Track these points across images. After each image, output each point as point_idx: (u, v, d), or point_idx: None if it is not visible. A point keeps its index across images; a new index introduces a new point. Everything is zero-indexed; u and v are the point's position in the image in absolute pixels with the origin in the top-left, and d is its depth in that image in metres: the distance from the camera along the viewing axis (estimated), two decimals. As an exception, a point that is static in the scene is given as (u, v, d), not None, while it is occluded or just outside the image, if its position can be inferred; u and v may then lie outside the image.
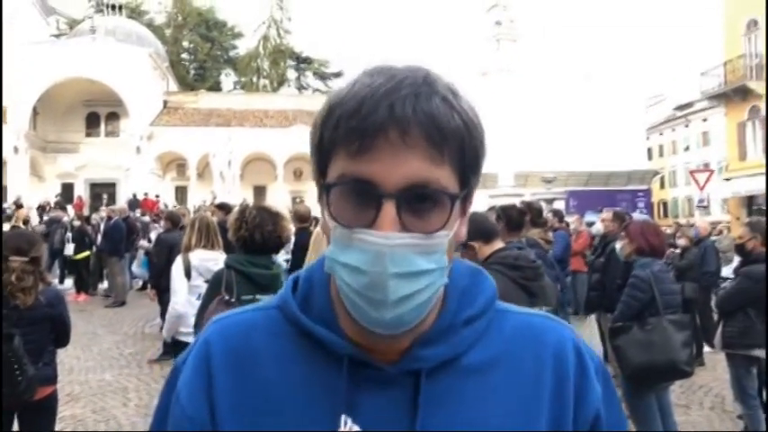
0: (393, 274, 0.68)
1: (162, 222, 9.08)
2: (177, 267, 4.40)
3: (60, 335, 3.65)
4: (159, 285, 7.31)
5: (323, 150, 0.73)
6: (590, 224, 10.74)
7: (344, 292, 0.72)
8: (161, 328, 6.53)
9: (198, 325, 3.27)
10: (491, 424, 0.75)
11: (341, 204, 0.71)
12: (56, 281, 13.39)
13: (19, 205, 19.75)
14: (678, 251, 8.67)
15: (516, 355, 0.79)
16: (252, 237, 3.33)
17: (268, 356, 0.79)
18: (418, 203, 0.70)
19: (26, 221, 12.48)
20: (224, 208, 8.65)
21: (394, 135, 0.68)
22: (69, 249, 12.73)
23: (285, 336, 0.80)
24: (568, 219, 11.07)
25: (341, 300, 0.73)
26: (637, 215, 11.70)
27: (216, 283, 3.25)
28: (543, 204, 9.15)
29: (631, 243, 4.06)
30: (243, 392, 0.77)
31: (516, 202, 5.33)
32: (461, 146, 0.71)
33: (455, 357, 0.77)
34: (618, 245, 4.24)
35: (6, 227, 10.95)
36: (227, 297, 3.15)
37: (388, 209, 0.68)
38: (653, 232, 4.05)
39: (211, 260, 4.39)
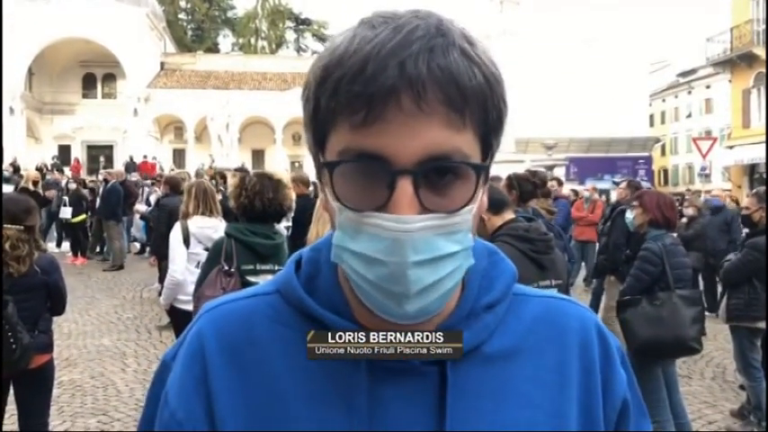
0: (414, 263, 0.59)
1: (161, 186, 8.92)
2: (175, 234, 4.32)
3: (56, 302, 3.59)
4: (160, 251, 7.19)
5: (319, 121, 0.62)
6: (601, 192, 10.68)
7: (357, 284, 0.63)
8: (159, 293, 6.47)
9: (197, 295, 3.20)
10: (521, 416, 0.68)
11: (346, 184, 0.61)
12: (53, 244, 13.33)
13: (16, 167, 19.59)
14: (685, 220, 8.57)
15: (539, 343, 0.73)
16: (252, 204, 3.25)
17: (273, 348, 0.69)
18: (438, 178, 0.60)
19: (36, 183, 12.23)
20: (241, 171, 8.69)
21: (407, 99, 0.57)
22: (66, 213, 12.61)
23: (290, 324, 0.70)
24: (578, 188, 11.04)
25: (350, 285, 0.65)
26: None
27: (216, 253, 3.18)
28: (545, 171, 9.04)
29: (645, 214, 3.95)
30: (247, 390, 0.68)
31: (521, 170, 5.22)
32: (484, 106, 0.61)
33: (477, 345, 0.69)
34: (629, 214, 4.13)
35: (8, 188, 10.77)
36: (226, 267, 3.07)
37: (405, 187, 0.59)
38: (669, 205, 3.94)
39: (210, 227, 4.34)
